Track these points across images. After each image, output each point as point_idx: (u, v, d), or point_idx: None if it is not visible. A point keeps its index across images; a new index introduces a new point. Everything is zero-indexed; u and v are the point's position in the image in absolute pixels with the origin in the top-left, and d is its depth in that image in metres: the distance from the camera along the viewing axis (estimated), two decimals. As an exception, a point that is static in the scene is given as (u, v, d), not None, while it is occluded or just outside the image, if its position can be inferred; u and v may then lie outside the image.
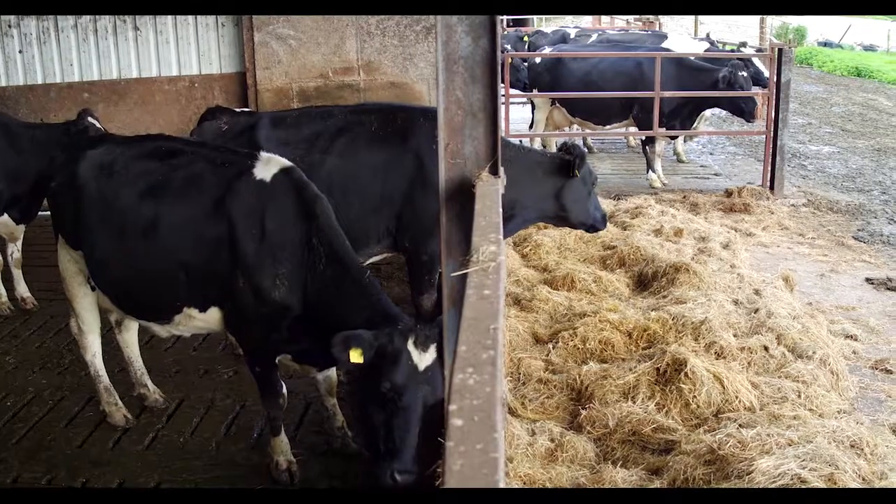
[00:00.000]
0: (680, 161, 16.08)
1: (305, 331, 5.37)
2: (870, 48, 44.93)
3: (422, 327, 4.82)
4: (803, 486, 4.75)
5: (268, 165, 5.55)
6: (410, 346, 4.75)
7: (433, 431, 5.31)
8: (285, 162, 5.65)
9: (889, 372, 7.14)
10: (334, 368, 6.08)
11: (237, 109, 8.18)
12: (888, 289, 9.30)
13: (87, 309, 6.38)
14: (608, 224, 10.23)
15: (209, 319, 5.69)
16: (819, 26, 47.85)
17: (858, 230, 11.84)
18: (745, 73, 13.55)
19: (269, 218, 5.36)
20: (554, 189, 7.33)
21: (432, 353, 4.75)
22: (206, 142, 6.69)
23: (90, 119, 8.62)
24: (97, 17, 12.21)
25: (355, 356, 4.82)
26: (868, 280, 9.58)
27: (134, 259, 5.68)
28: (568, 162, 7.28)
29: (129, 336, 6.77)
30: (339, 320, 5.03)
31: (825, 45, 46.00)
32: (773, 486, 4.78)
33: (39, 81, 12.41)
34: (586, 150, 7.57)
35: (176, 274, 5.55)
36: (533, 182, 7.27)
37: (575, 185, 7.33)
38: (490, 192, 3.44)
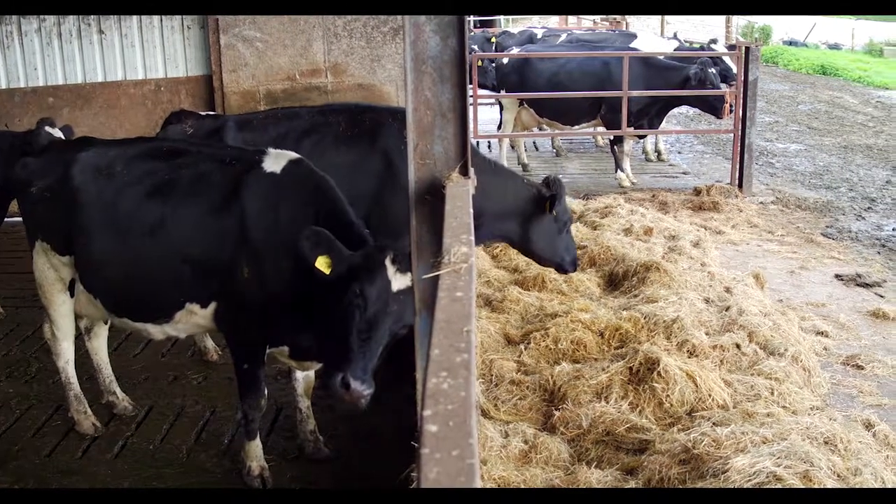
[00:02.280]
0: (648, 160, 16.12)
1: (308, 316, 5.29)
2: (834, 46, 45.22)
3: (402, 252, 4.73)
4: (779, 484, 4.74)
5: (277, 159, 5.56)
6: (388, 262, 4.72)
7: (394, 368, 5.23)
8: (293, 154, 5.68)
9: (860, 368, 7.17)
10: (314, 371, 6.03)
11: (202, 113, 8.10)
12: (858, 285, 9.35)
13: (63, 315, 6.28)
14: (577, 224, 10.26)
15: (209, 315, 5.64)
16: (784, 25, 48.09)
17: (827, 227, 11.91)
18: (714, 70, 13.59)
19: (284, 207, 5.35)
20: (521, 216, 7.15)
21: (407, 280, 4.64)
22: (207, 143, 6.68)
23: (47, 128, 8.46)
24: (61, 20, 12.07)
25: (322, 264, 4.81)
26: (838, 276, 9.63)
27: (139, 258, 5.61)
28: (543, 195, 7.10)
29: (99, 343, 6.70)
30: None
31: (790, 43, 46.26)
32: (748, 484, 4.77)
33: (3, 86, 12.24)
34: (565, 188, 7.39)
35: (183, 270, 5.51)
36: (498, 198, 7.07)
37: (546, 221, 7.17)
38: (460, 193, 3.41)
